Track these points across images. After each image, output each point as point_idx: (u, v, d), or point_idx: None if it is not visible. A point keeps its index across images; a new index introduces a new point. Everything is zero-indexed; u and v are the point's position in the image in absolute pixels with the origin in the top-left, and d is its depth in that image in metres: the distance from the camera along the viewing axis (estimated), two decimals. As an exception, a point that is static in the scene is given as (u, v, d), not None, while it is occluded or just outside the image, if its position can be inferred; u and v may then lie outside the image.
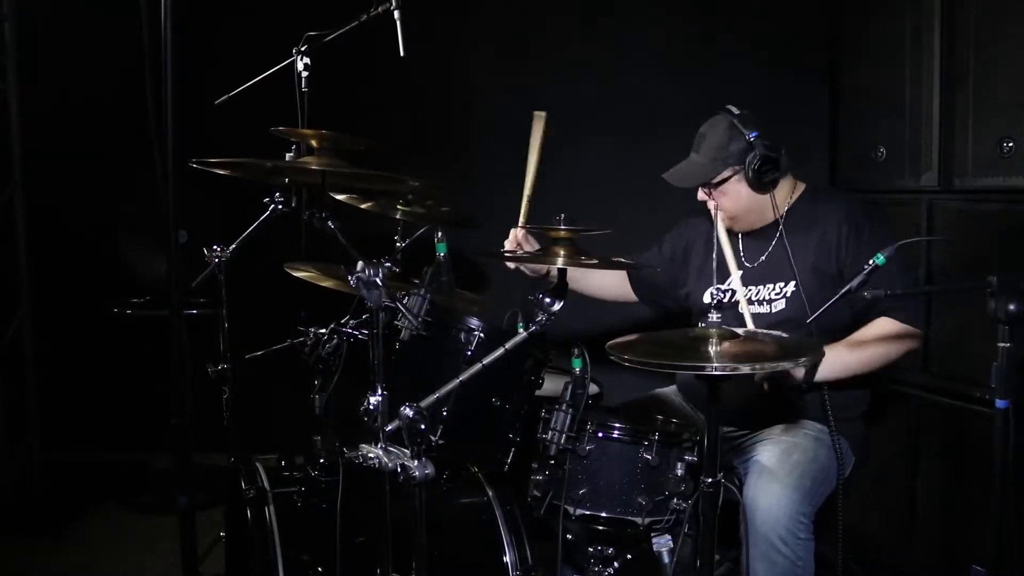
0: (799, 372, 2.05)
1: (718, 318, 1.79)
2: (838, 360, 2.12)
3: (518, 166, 3.55)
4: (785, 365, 1.87)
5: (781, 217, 2.27)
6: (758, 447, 2.21)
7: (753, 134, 2.18)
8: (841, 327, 2.21)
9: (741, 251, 2.38)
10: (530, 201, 2.40)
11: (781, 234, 2.26)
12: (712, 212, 2.29)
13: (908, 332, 2.16)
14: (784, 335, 1.89)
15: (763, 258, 2.33)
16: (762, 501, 2.02)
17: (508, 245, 2.45)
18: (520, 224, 2.41)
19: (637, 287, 2.68)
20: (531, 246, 2.44)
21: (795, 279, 2.23)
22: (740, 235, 2.38)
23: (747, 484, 2.09)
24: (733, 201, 2.26)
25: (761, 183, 2.20)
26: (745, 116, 2.22)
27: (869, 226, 2.22)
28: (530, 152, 2.40)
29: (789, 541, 1.99)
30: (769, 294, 2.28)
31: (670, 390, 2.62)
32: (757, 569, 2.01)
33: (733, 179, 2.23)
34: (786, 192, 2.31)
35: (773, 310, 2.26)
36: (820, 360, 1.89)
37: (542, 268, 2.44)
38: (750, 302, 2.28)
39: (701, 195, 2.32)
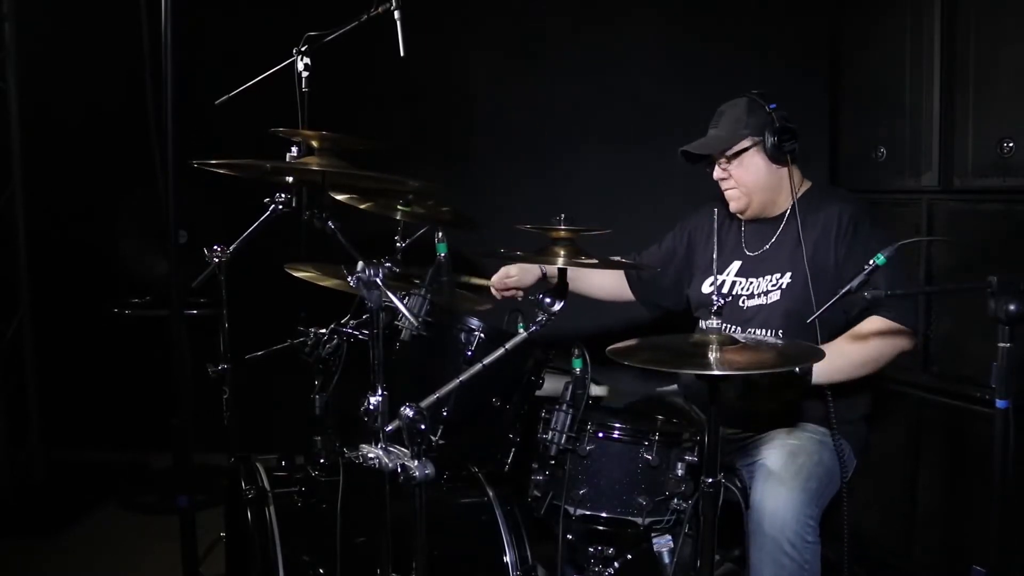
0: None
1: (718, 324, 1.79)
2: (828, 363, 2.06)
3: (518, 167, 3.60)
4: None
5: (795, 196, 2.26)
6: (762, 450, 2.20)
7: (772, 105, 2.21)
8: (837, 327, 2.20)
9: (743, 239, 2.38)
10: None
11: (787, 221, 2.27)
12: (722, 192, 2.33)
13: (898, 330, 2.14)
14: (780, 342, 1.88)
15: (766, 247, 2.32)
16: (769, 504, 2.02)
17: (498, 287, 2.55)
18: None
19: (635, 287, 2.68)
20: (521, 277, 2.51)
21: (791, 271, 2.23)
22: (744, 223, 2.38)
23: (753, 488, 2.09)
24: (751, 174, 2.27)
25: (780, 152, 2.21)
26: (764, 94, 2.25)
27: (869, 223, 2.22)
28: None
29: (797, 544, 1.99)
30: (767, 286, 2.28)
31: (671, 389, 2.61)
32: (763, 572, 2.01)
33: (752, 150, 2.25)
34: (797, 182, 2.31)
35: (768, 301, 2.26)
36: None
37: (537, 271, 2.47)
38: (750, 296, 2.29)
39: (718, 172, 2.32)
